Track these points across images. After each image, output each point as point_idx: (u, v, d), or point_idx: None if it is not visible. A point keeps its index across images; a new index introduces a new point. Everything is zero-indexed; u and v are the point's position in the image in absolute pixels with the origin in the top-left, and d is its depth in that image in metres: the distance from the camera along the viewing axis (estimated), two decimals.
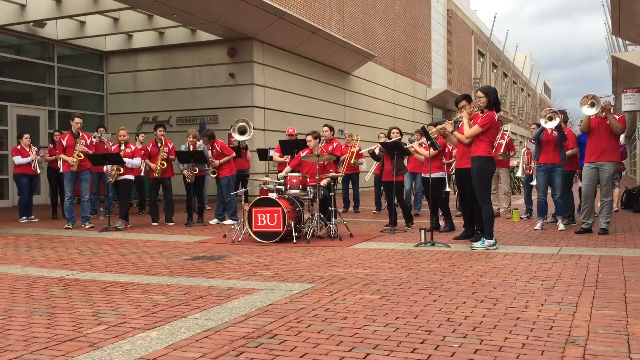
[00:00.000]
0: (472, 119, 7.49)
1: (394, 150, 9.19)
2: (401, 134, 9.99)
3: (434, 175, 8.92)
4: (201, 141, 11.28)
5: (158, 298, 4.72)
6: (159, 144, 10.81)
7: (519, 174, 11.07)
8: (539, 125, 11.12)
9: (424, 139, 9.47)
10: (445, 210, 9.37)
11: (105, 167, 10.21)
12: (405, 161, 10.06)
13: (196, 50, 17.34)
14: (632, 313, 4.04)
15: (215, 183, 11.05)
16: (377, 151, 10.64)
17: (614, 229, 8.90)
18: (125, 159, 10.13)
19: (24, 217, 11.51)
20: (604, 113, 8.29)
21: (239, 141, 11.47)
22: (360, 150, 13.02)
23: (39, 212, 12.47)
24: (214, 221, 10.84)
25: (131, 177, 10.41)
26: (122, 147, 10.43)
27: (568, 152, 9.49)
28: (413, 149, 9.65)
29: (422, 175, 9.52)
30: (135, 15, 16.28)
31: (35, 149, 11.71)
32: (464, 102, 7.67)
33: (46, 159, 11.94)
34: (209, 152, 10.68)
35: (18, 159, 11.32)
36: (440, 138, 8.92)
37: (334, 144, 12.13)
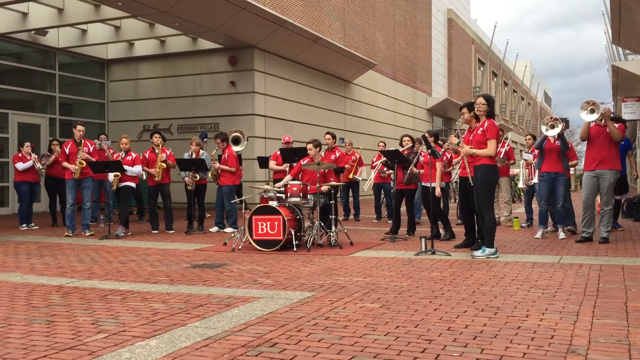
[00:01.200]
0: (475, 129, 7.51)
1: (394, 159, 9.20)
2: (413, 141, 9.96)
3: (434, 184, 8.93)
4: (205, 150, 11.31)
5: (158, 306, 4.71)
6: (157, 150, 10.83)
7: (520, 184, 11.06)
8: (533, 136, 11.16)
9: (423, 148, 9.48)
10: (443, 219, 9.36)
11: (110, 175, 10.24)
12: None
13: (197, 58, 17.39)
14: (633, 322, 4.03)
15: (215, 191, 11.05)
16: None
17: (614, 238, 8.88)
18: (126, 167, 10.16)
19: (24, 225, 11.50)
20: (603, 121, 8.30)
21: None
22: (360, 161, 13.01)
23: (39, 220, 12.47)
24: (214, 229, 10.84)
25: (132, 184, 10.43)
26: (123, 155, 10.46)
27: (570, 164, 9.52)
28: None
29: (422, 184, 9.50)
30: (136, 24, 16.33)
31: (36, 156, 11.71)
32: (464, 110, 7.73)
33: (49, 162, 11.88)
34: (224, 156, 10.67)
35: (20, 165, 11.32)
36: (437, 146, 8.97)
37: (337, 154, 12.10)
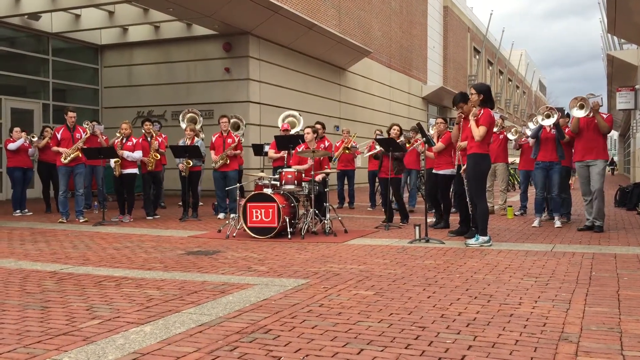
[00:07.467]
0: (464, 121, 7.51)
1: (388, 147, 9.20)
2: (401, 131, 9.97)
3: (443, 171, 8.92)
4: (201, 136, 11.35)
5: (152, 293, 4.71)
6: (149, 138, 10.81)
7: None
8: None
9: (419, 136, 9.48)
10: (447, 208, 9.30)
11: (111, 162, 10.20)
12: None
13: (192, 44, 17.28)
14: (624, 310, 4.06)
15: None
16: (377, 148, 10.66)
17: (607, 227, 8.93)
18: (127, 153, 10.12)
19: (18, 211, 11.46)
20: (592, 114, 8.38)
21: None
22: (356, 144, 13.10)
23: (33, 206, 12.42)
24: (221, 215, 10.69)
25: (135, 170, 10.40)
26: (124, 140, 10.41)
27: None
28: (423, 149, 9.69)
29: (434, 171, 9.36)
30: (130, 9, 16.20)
31: (27, 136, 11.64)
32: (461, 104, 7.69)
33: (40, 145, 11.82)
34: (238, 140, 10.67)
35: (11, 145, 11.27)
36: (446, 133, 8.96)
37: (326, 143, 12.11)
